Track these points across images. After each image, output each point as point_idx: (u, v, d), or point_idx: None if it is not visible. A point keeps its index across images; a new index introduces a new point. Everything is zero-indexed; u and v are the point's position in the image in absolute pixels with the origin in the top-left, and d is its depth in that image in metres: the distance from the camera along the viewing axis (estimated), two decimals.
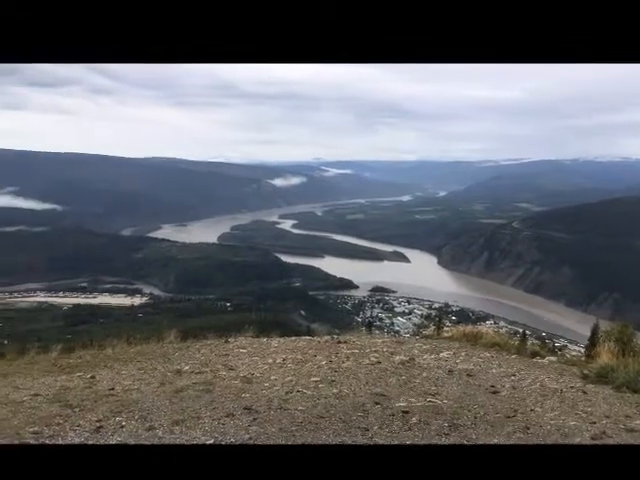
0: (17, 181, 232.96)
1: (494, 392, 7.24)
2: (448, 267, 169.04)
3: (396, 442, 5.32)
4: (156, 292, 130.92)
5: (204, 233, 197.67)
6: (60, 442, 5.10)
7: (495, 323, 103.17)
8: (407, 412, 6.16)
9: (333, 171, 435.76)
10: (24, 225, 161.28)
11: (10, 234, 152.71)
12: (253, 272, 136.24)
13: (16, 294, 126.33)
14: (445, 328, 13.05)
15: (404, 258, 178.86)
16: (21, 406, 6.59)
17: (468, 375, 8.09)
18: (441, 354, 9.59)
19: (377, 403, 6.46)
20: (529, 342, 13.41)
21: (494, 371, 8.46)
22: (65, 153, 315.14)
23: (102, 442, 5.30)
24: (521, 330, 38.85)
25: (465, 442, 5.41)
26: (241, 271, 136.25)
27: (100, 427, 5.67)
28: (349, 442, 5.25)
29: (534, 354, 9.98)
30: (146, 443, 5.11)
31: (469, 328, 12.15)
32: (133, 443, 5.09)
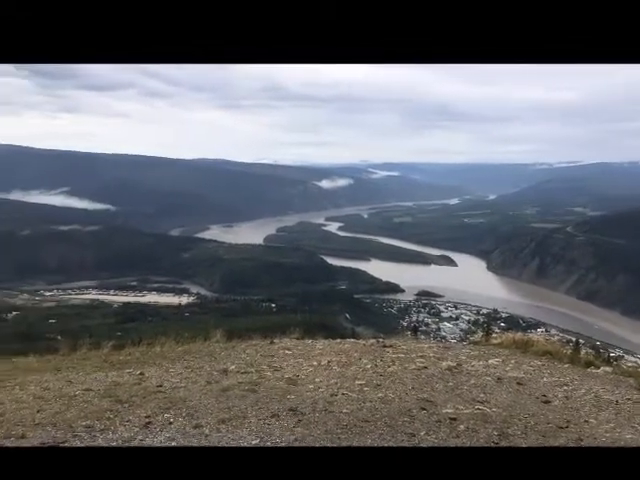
0: (71, 181, 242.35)
1: (546, 402, 7.01)
2: (497, 272, 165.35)
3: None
4: (203, 292, 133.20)
5: (250, 234, 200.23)
6: (64, 445, 5.14)
7: (546, 331, 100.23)
8: (455, 419, 6.03)
9: (381, 173, 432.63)
10: (78, 224, 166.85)
11: (64, 233, 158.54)
12: (298, 274, 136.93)
13: (69, 291, 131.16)
14: (494, 335, 12.75)
15: (452, 262, 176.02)
16: (74, 400, 6.81)
17: (518, 383, 7.87)
18: (490, 361, 9.36)
19: (423, 409, 6.36)
20: (583, 351, 12.96)
21: (545, 380, 8.20)
22: (119, 154, 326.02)
23: (147, 439, 5.42)
24: (574, 339, 37.66)
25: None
26: (286, 273, 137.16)
27: (149, 423, 5.80)
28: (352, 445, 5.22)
29: (588, 364, 9.61)
30: (146, 446, 5.12)
31: (519, 335, 11.83)
32: (134, 446, 5.10)
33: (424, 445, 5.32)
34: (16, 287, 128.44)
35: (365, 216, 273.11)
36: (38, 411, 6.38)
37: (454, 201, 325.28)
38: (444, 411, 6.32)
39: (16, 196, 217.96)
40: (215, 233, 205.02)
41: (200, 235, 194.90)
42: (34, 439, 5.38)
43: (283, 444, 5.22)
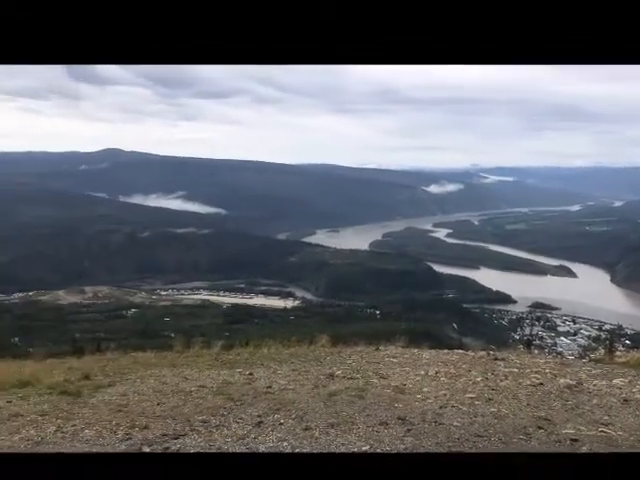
0: (188, 186, 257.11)
1: None
2: (623, 286, 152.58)
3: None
4: (308, 296, 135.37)
5: (356, 239, 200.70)
6: (66, 450, 5.19)
7: None
8: (575, 440, 5.63)
9: (493, 178, 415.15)
10: (192, 227, 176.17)
11: (180, 235, 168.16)
12: (404, 281, 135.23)
13: (183, 291, 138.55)
14: (618, 353, 11.79)
15: (570, 273, 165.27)
16: (190, 396, 7.20)
17: None
18: (614, 381, 8.64)
19: (540, 427, 5.99)
20: None
21: None
22: (232, 160, 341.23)
23: (260, 437, 5.56)
24: None
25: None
26: (392, 279, 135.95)
27: (260, 422, 5.98)
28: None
29: None
30: (144, 451, 5.12)
31: None
32: (136, 451, 5.11)
33: (423, 451, 5.13)
34: (136, 286, 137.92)
35: (475, 222, 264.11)
36: (158, 404, 6.81)
37: (575, 208, 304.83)
38: (564, 431, 5.92)
39: (137, 200, 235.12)
40: (321, 238, 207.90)
41: (306, 239, 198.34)
42: (156, 430, 5.74)
43: (286, 450, 5.17)
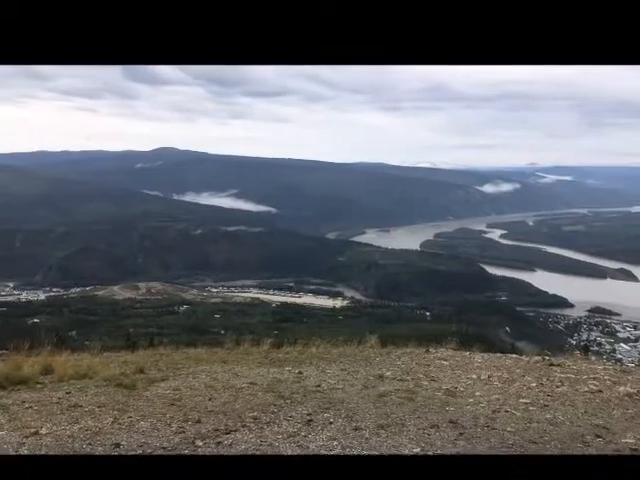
0: (239, 184, 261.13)
1: None
2: None
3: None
4: (357, 296, 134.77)
5: (407, 239, 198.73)
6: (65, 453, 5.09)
7: None
8: (636, 450, 5.39)
9: (550, 177, 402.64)
10: (243, 225, 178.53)
11: (231, 233, 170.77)
12: (455, 282, 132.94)
13: (233, 289, 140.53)
14: None
15: (632, 277, 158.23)
16: (240, 392, 7.31)
17: None
18: None
19: (598, 436, 5.76)
20: None
21: None
22: (282, 158, 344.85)
23: (310, 435, 5.58)
24: None
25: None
26: (443, 280, 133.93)
27: (310, 421, 6.00)
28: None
29: None
30: (155, 454, 5.08)
31: None
32: (136, 453, 5.07)
33: (429, 453, 5.05)
34: (187, 282, 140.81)
35: (530, 223, 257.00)
36: (210, 399, 6.94)
37: (636, 209, 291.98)
38: (623, 440, 5.67)
39: (189, 198, 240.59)
40: (371, 237, 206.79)
41: (356, 239, 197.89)
42: (209, 425, 5.85)
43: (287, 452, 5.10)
